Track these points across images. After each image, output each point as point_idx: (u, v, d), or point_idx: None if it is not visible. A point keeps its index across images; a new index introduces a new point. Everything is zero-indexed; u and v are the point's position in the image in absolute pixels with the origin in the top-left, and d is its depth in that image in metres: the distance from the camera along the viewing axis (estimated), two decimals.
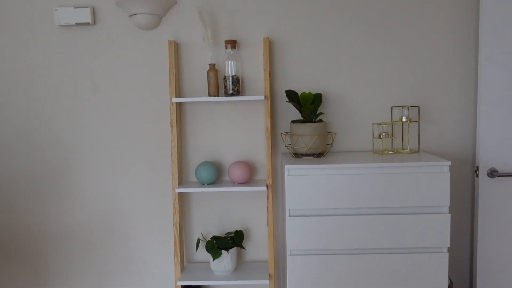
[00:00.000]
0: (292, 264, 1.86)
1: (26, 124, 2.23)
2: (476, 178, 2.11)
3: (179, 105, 2.19)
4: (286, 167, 1.83)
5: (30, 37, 2.18)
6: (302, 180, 1.82)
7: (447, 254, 1.83)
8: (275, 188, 2.26)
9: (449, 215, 1.81)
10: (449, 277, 2.21)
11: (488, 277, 2.12)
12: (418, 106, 2.10)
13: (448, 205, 1.81)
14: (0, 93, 2.22)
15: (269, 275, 2.10)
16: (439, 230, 1.82)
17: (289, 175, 1.83)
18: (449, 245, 1.82)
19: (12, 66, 2.20)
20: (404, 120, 2.10)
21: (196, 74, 2.19)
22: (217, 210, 2.26)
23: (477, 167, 2.09)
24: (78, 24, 2.13)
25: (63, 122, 2.23)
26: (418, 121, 2.10)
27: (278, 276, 2.30)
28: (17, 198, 2.28)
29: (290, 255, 1.86)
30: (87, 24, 2.14)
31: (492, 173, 2.07)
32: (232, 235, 2.16)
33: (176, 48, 2.14)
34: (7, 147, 2.25)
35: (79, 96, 2.22)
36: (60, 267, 2.31)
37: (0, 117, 2.23)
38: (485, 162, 2.08)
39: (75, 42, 2.19)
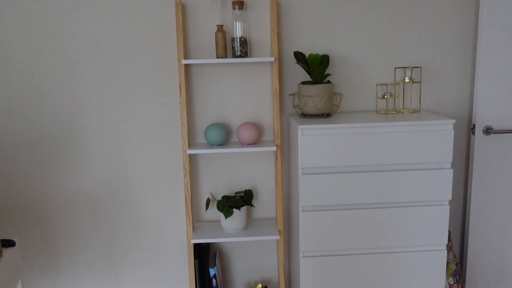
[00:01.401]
0: (304, 220, 1.95)
1: (25, 86, 2.18)
2: (472, 135, 2.24)
3: (187, 67, 2.19)
4: (300, 127, 1.88)
5: None
6: (314, 140, 1.89)
7: (448, 207, 1.96)
8: (282, 148, 2.32)
9: (452, 170, 1.92)
10: None
11: (480, 227, 2.28)
12: (420, 67, 2.17)
13: (451, 160, 1.93)
14: None
15: (279, 231, 2.19)
16: (442, 184, 1.94)
17: (302, 135, 1.89)
18: (450, 198, 1.95)
19: (8, 22, 2.12)
20: (407, 80, 2.17)
21: (203, 36, 2.18)
22: (224, 171, 2.31)
23: (474, 125, 2.21)
24: None
25: (65, 84, 2.19)
26: (420, 82, 2.18)
27: (285, 232, 2.41)
28: (19, 164, 2.25)
29: (303, 211, 1.95)
30: None
31: (488, 131, 2.19)
32: (242, 194, 2.23)
33: (182, 9, 2.11)
34: (6, 110, 2.20)
35: (81, 56, 2.17)
36: (67, 233, 2.32)
37: None
38: (481, 120, 2.19)
39: None
